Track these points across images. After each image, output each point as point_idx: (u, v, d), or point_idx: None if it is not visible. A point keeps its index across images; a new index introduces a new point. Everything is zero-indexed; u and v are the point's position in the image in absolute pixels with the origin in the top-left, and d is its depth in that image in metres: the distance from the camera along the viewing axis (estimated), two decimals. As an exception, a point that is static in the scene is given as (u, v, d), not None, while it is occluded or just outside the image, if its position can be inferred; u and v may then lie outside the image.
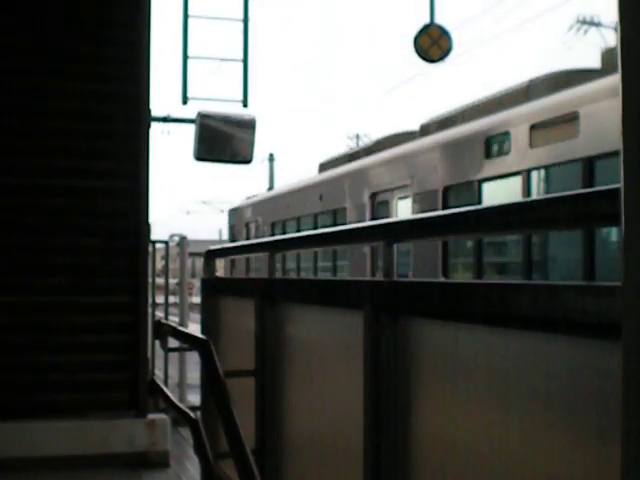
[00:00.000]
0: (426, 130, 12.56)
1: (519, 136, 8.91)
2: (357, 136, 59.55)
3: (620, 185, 0.95)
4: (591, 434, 1.54)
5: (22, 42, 5.19)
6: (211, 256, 5.12)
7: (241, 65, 9.52)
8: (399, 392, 2.36)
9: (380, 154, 13.35)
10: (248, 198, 22.24)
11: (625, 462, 0.94)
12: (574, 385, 1.60)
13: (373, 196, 12.83)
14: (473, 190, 9.82)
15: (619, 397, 0.95)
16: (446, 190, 10.39)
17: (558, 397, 1.65)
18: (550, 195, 1.72)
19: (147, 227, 5.42)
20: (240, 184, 51.14)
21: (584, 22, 32.97)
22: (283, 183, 24.29)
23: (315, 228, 14.11)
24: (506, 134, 9.23)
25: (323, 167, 18.07)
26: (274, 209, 18.12)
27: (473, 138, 9.92)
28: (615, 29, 0.94)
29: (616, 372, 1.15)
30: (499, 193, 9.46)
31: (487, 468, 1.95)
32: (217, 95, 9.93)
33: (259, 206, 19.59)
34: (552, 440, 1.67)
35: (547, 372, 1.68)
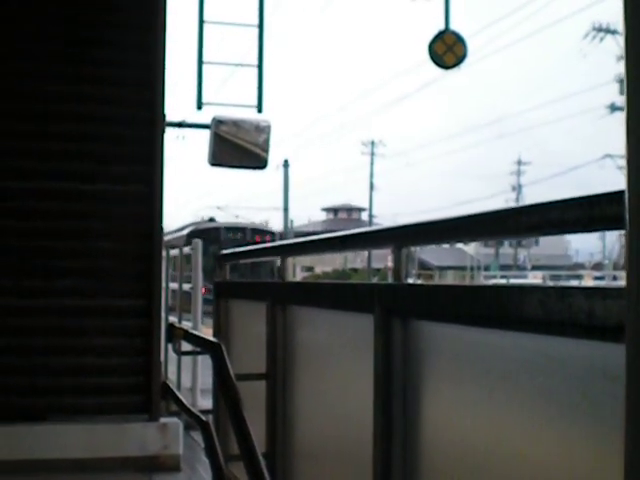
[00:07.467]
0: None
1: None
2: (372, 143, 59.54)
3: (624, 188, 0.96)
4: (600, 435, 1.54)
5: (35, 45, 5.23)
6: (223, 260, 5.14)
7: (256, 71, 9.57)
8: (409, 395, 2.36)
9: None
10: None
11: (628, 463, 0.94)
12: (585, 387, 1.60)
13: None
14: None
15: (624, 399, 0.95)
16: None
17: (568, 399, 1.65)
18: (557, 198, 1.72)
19: (160, 231, 5.44)
20: (255, 190, 51.30)
21: (600, 30, 32.87)
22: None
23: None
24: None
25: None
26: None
27: None
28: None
29: (623, 374, 1.15)
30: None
31: (497, 470, 1.95)
32: (232, 100, 9.95)
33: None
34: (561, 442, 1.67)
35: (557, 374, 1.68)
